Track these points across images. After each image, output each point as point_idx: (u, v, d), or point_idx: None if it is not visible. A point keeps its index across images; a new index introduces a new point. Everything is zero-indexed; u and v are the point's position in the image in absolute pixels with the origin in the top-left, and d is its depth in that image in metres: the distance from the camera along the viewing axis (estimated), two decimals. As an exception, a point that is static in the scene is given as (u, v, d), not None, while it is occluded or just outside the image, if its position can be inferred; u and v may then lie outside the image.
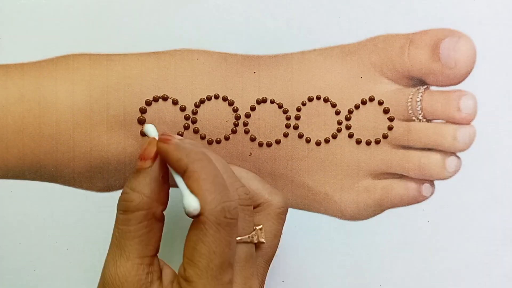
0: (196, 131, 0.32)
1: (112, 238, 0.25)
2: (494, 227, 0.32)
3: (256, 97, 0.32)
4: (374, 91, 0.32)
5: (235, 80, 0.32)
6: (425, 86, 0.32)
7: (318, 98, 0.32)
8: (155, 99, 0.31)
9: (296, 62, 0.32)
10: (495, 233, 0.32)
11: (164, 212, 0.26)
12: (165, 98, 0.31)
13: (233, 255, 0.23)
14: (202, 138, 0.32)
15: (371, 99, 0.32)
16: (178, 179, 0.24)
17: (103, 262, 0.31)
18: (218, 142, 0.32)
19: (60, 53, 0.31)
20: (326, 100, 0.32)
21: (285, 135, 0.32)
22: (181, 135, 0.32)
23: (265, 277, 0.27)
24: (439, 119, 0.32)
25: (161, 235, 0.25)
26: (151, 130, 0.27)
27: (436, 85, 0.32)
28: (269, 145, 0.32)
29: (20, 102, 0.31)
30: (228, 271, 0.23)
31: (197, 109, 0.32)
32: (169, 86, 0.31)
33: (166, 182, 0.25)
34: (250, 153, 0.32)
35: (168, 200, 0.26)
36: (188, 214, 0.23)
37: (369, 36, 0.32)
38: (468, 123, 0.32)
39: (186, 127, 0.31)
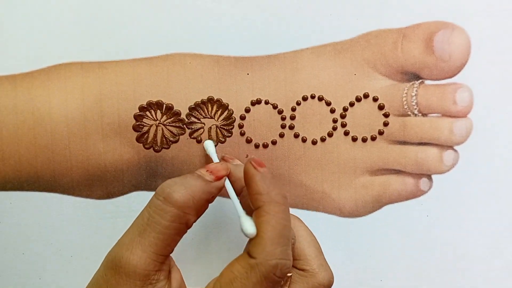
0: (191, 135, 0.31)
1: (138, 220, 0.24)
2: (494, 219, 0.32)
3: (250, 99, 0.31)
4: (369, 88, 0.32)
5: (229, 82, 0.31)
6: (420, 80, 0.32)
7: (313, 97, 0.32)
8: (149, 105, 0.31)
9: (289, 61, 0.31)
10: (495, 225, 0.32)
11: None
12: (160, 104, 0.31)
13: None
14: (198, 142, 0.31)
15: (366, 95, 0.32)
16: (235, 200, 0.26)
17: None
18: (215, 145, 0.31)
19: (51, 63, 0.31)
20: (320, 98, 0.32)
21: (281, 135, 0.32)
22: (176, 141, 0.31)
23: None
24: (435, 113, 0.31)
25: (179, 240, 0.25)
26: (209, 147, 0.30)
27: (431, 79, 0.32)
28: (265, 146, 0.32)
29: (14, 114, 0.31)
30: None
31: (192, 113, 0.31)
32: (162, 91, 0.31)
33: (211, 202, 0.26)
34: (247, 155, 0.32)
35: (200, 216, 0.26)
36: (245, 235, 0.24)
37: (361, 33, 0.31)
38: (464, 115, 0.31)
39: (182, 133, 0.31)
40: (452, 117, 0.31)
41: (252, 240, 0.23)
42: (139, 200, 0.32)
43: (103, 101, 0.31)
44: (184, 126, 0.31)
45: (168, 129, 0.31)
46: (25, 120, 0.31)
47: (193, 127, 0.31)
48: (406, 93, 0.31)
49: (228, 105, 0.31)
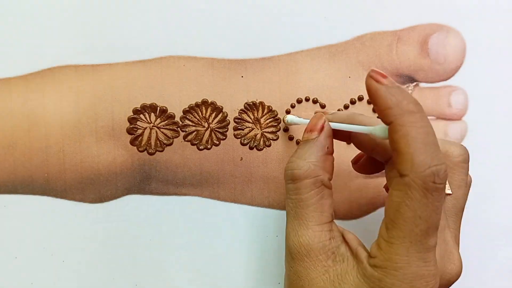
0: (185, 138, 0.32)
1: (287, 209, 0.26)
2: (489, 222, 0.32)
3: (244, 101, 0.32)
4: (363, 90, 0.32)
5: (223, 85, 0.32)
6: (415, 83, 0.32)
7: (307, 99, 0.32)
8: (144, 108, 0.32)
9: (284, 64, 0.32)
10: (490, 229, 0.32)
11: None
12: (154, 107, 0.32)
13: (439, 220, 0.22)
14: (193, 144, 0.32)
15: (360, 98, 0.32)
16: (353, 127, 0.25)
17: (99, 273, 0.32)
18: (209, 148, 0.32)
19: (46, 66, 0.32)
20: (315, 101, 0.32)
21: (275, 137, 0.32)
22: (171, 144, 0.32)
23: (459, 230, 0.26)
24: (429, 115, 0.32)
25: (332, 201, 0.26)
26: (293, 118, 0.31)
27: (426, 82, 0.32)
28: (259, 148, 0.32)
29: (9, 117, 0.31)
30: (434, 236, 0.22)
31: (186, 115, 0.32)
32: (156, 94, 0.32)
33: (331, 153, 0.26)
34: (241, 157, 0.32)
35: (333, 170, 0.26)
36: (377, 137, 0.23)
37: (356, 35, 0.32)
38: (459, 118, 0.32)
39: (176, 136, 0.32)
40: (447, 120, 0.32)
41: (398, 160, 0.22)
42: (132, 204, 0.32)
43: (97, 104, 0.32)
44: (178, 129, 0.32)
45: (162, 132, 0.32)
46: (20, 124, 0.31)
47: (187, 130, 0.32)
48: (400, 95, 0.32)
49: (222, 108, 0.32)
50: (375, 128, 0.23)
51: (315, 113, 0.29)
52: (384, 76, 0.23)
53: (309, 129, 0.26)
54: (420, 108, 0.22)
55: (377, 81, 0.23)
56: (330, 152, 0.26)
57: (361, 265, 0.23)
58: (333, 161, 0.26)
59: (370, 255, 0.23)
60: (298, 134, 0.32)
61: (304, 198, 0.25)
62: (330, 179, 0.26)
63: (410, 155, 0.21)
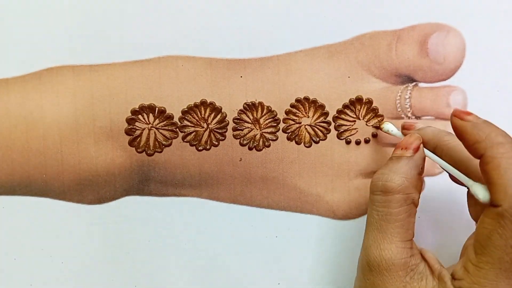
0: (184, 139, 0.32)
1: (370, 219, 0.27)
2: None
3: (243, 101, 0.33)
4: (362, 90, 0.33)
5: (222, 85, 0.33)
6: (414, 83, 0.33)
7: (306, 99, 0.33)
8: (142, 108, 0.32)
9: (283, 64, 0.33)
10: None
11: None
12: (152, 107, 0.32)
13: None
14: (191, 145, 0.32)
15: (359, 98, 0.33)
16: (448, 167, 0.26)
17: (98, 274, 0.33)
18: (208, 148, 0.32)
19: (43, 66, 0.32)
20: (314, 101, 0.33)
21: (275, 138, 0.33)
22: (169, 145, 0.32)
23: None
24: (428, 115, 0.33)
25: (414, 221, 0.27)
26: (392, 129, 0.31)
27: (425, 82, 0.33)
28: (259, 149, 0.33)
29: (6, 118, 0.32)
30: None
31: (184, 116, 0.32)
32: (154, 95, 0.32)
33: (421, 174, 0.27)
34: (240, 158, 0.33)
35: (422, 190, 0.27)
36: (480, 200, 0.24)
37: (355, 35, 0.33)
38: (458, 118, 0.33)
39: (174, 137, 0.32)
40: (446, 120, 0.32)
41: (491, 191, 0.23)
42: (130, 205, 0.33)
43: (95, 105, 0.32)
44: (177, 129, 0.32)
45: (160, 133, 0.32)
46: (17, 124, 0.32)
47: (186, 131, 0.32)
48: (399, 95, 0.33)
49: (221, 108, 0.33)
50: (476, 187, 0.24)
51: (403, 127, 0.30)
52: (467, 114, 0.25)
53: (403, 147, 0.27)
54: (509, 139, 0.24)
55: (461, 119, 0.25)
56: (422, 173, 0.27)
57: (443, 285, 0.25)
58: (423, 182, 0.27)
59: (454, 277, 0.25)
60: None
61: (394, 213, 0.26)
62: (418, 198, 0.27)
63: (503, 186, 0.23)
